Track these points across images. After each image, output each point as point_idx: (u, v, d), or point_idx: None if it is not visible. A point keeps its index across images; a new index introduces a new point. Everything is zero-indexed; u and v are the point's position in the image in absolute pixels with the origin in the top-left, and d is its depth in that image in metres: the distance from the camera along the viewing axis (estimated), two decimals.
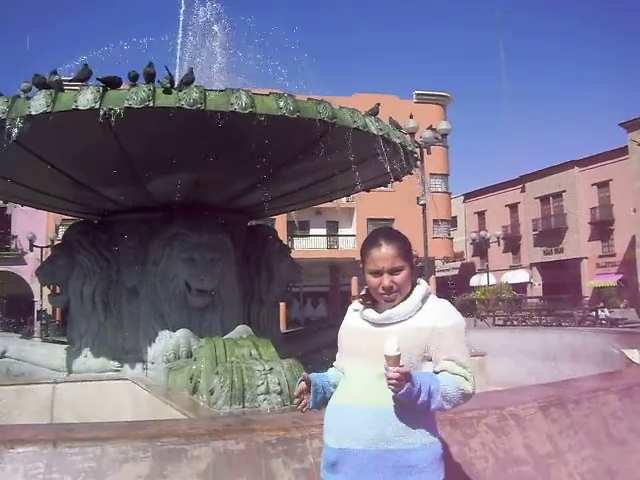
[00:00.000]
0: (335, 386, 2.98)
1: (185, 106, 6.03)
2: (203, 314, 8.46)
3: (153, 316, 8.41)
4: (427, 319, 2.76)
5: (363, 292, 2.98)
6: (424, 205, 24.15)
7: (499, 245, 54.42)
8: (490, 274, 51.21)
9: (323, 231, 51.94)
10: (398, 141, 7.89)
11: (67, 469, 3.23)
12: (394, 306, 2.82)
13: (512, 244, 61.45)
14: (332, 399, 2.87)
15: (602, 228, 53.22)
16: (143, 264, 8.53)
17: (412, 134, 21.32)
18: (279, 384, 5.78)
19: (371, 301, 2.91)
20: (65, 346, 9.21)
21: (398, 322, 2.79)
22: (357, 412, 2.67)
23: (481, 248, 55.91)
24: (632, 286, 47.32)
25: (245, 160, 7.18)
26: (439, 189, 52.73)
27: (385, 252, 2.78)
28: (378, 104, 8.30)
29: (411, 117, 22.79)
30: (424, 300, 2.84)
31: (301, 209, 13.11)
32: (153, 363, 8.13)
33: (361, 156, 7.24)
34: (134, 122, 6.18)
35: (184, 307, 8.35)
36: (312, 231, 51.25)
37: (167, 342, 7.94)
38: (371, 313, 2.87)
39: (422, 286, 2.89)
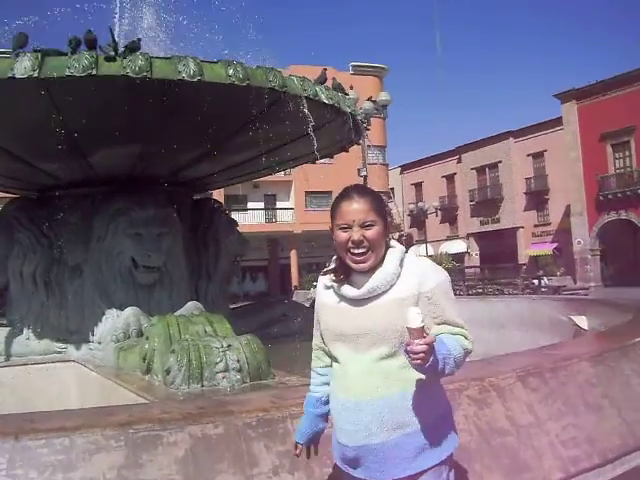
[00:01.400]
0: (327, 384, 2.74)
1: (130, 74, 5.77)
2: (151, 291, 8.23)
3: (98, 295, 8.15)
4: (409, 286, 2.52)
5: (331, 265, 2.69)
6: (365, 177, 24.05)
7: (436, 216, 54.96)
8: (428, 245, 51.76)
9: (261, 205, 51.54)
10: (349, 110, 7.74)
11: (32, 463, 2.97)
12: (370, 276, 2.55)
13: (449, 215, 62.15)
14: (335, 395, 2.62)
15: (537, 198, 54.18)
16: (86, 241, 8.22)
17: None
18: (238, 361, 5.54)
19: (343, 275, 2.63)
20: (6, 329, 8.83)
21: (381, 294, 2.54)
22: (368, 408, 2.47)
23: (419, 219, 56.19)
24: (567, 254, 48.40)
25: (192, 130, 6.94)
26: (377, 161, 52.86)
27: (357, 206, 2.52)
28: (325, 69, 8.13)
29: (351, 88, 22.55)
30: (402, 264, 2.59)
31: (247, 181, 12.87)
32: (100, 343, 7.83)
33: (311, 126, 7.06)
34: (75, 91, 5.87)
35: (130, 284, 8.11)
36: (250, 205, 50.82)
37: (115, 321, 7.65)
38: (349, 290, 2.60)
39: (397, 248, 2.63)
